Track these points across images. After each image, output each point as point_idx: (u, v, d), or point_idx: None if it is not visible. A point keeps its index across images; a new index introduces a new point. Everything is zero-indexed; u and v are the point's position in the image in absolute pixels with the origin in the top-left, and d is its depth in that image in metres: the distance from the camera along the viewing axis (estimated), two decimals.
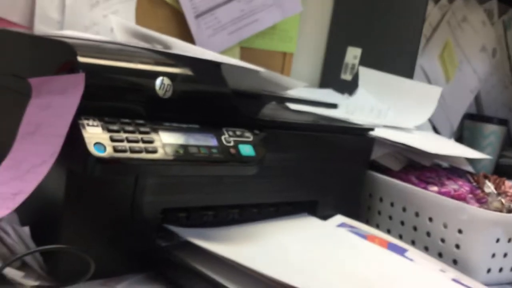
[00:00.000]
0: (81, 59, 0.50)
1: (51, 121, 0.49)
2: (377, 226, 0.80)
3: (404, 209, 0.77)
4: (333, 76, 1.20)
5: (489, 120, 1.37)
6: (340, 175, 0.76)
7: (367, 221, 0.81)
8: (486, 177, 0.83)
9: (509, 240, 0.69)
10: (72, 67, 0.50)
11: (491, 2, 1.43)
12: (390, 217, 0.79)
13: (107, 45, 0.58)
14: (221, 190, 0.63)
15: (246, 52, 1.08)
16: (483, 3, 1.41)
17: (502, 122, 1.37)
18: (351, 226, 0.72)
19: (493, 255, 0.69)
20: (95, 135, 0.48)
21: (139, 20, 0.93)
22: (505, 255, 0.70)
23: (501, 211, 0.71)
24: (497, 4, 1.44)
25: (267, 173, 0.64)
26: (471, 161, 0.92)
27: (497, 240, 0.68)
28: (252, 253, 0.59)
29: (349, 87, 1.11)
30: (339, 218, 0.74)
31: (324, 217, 0.74)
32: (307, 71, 1.22)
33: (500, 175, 0.85)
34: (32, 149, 0.49)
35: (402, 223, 0.77)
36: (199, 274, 0.54)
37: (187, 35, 0.99)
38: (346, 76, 1.17)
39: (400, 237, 0.77)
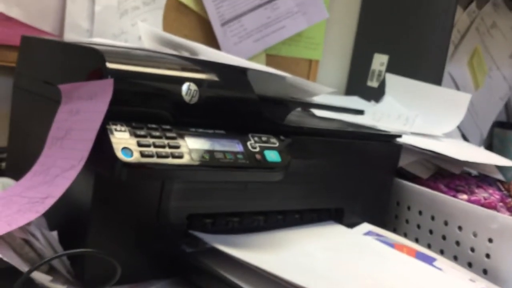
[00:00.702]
0: (109, 65, 0.50)
1: (80, 126, 0.50)
2: (405, 235, 0.79)
3: (432, 218, 0.75)
4: (359, 83, 1.19)
5: None
6: (366, 182, 0.75)
7: (394, 230, 0.80)
8: None
9: None
10: (101, 73, 0.51)
11: None
12: (418, 226, 0.77)
13: (135, 52, 0.59)
14: (246, 196, 0.62)
15: (272, 59, 1.09)
16: None
17: None
18: (378, 235, 0.71)
19: None
20: (122, 140, 0.48)
21: (166, 28, 0.94)
22: None
23: None
24: None
25: (293, 180, 0.64)
26: (501, 169, 0.90)
27: None
28: (277, 260, 0.59)
29: (376, 94, 1.10)
30: (365, 226, 0.73)
31: (351, 225, 0.73)
32: (333, 78, 1.22)
33: None
34: (61, 154, 0.49)
35: (431, 232, 0.76)
36: (224, 281, 0.54)
37: (213, 43, 0.99)
38: (373, 83, 1.16)
39: (429, 246, 0.75)
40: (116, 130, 0.49)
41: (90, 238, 0.51)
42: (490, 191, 0.77)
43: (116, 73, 0.50)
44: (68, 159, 0.48)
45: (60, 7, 0.83)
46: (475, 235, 0.70)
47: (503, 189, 0.81)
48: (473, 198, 0.73)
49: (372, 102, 1.09)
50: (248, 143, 0.59)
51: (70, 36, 0.83)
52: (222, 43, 1.00)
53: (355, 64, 1.22)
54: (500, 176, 0.88)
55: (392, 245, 0.68)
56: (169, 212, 0.55)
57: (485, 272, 0.69)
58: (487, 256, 0.68)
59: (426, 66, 1.04)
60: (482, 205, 0.71)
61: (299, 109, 0.85)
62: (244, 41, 1.03)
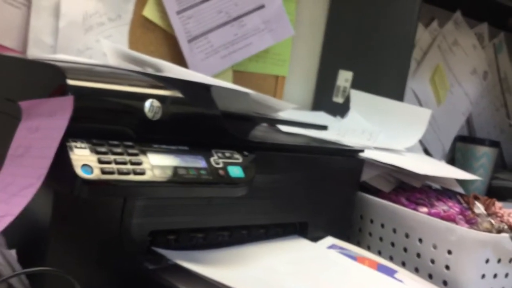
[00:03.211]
0: (70, 82, 0.50)
1: (40, 144, 0.49)
2: (368, 248, 0.80)
3: (394, 231, 0.77)
4: (325, 99, 1.21)
5: (481, 142, 1.38)
6: (330, 196, 0.76)
7: (358, 243, 0.81)
8: (476, 198, 0.83)
9: (498, 261, 0.69)
10: (63, 90, 0.51)
11: (482, 25, 1.46)
12: (381, 239, 0.79)
13: (98, 68, 0.59)
14: (210, 212, 0.63)
15: (239, 75, 1.10)
16: (473, 27, 1.43)
17: (494, 144, 1.38)
18: (341, 248, 0.72)
19: (483, 276, 0.69)
20: (82, 157, 0.48)
21: (132, 44, 0.95)
22: (495, 275, 0.70)
23: (490, 231, 0.72)
24: (487, 28, 1.46)
25: (257, 195, 0.65)
26: (463, 183, 0.93)
27: (487, 261, 0.68)
28: (242, 276, 0.59)
29: (341, 110, 1.12)
30: (329, 240, 0.74)
31: (315, 239, 0.74)
32: (299, 94, 1.23)
33: (492, 197, 0.85)
34: (20, 172, 0.49)
35: (393, 244, 0.77)
36: None
37: (180, 59, 1.00)
38: (338, 99, 1.18)
39: (391, 258, 0.77)
40: (76, 147, 0.49)
41: (49, 256, 0.50)
42: (450, 204, 0.79)
43: (77, 90, 0.50)
44: (26, 177, 0.47)
45: (24, 23, 0.83)
46: (435, 247, 0.71)
47: (463, 202, 0.83)
48: (433, 211, 0.75)
49: (338, 118, 1.11)
50: (212, 159, 0.59)
51: (34, 52, 0.83)
52: (189, 59, 1.01)
53: (320, 80, 1.24)
54: (460, 190, 0.90)
55: (354, 258, 0.69)
56: (131, 229, 0.55)
57: (445, 283, 0.70)
58: (447, 267, 0.70)
59: (388, 83, 1.07)
60: (442, 218, 0.73)
61: (265, 125, 0.86)
62: (211, 58, 1.04)
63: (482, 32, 1.46)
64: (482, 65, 1.46)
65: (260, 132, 0.76)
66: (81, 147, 0.49)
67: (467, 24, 1.39)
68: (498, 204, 0.83)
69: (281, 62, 1.17)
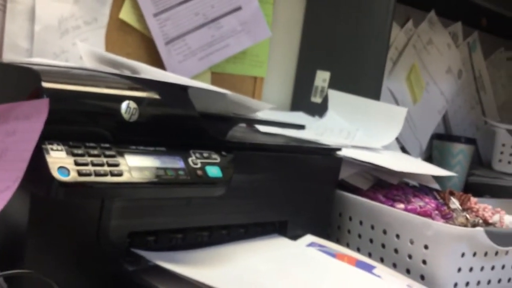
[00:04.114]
0: (45, 84, 0.50)
1: (16, 147, 0.49)
2: (347, 245, 0.81)
3: (372, 227, 0.78)
4: (303, 99, 1.22)
5: (457, 139, 1.40)
6: (309, 195, 0.77)
7: (337, 240, 0.82)
8: (452, 193, 0.84)
9: (474, 254, 0.71)
10: (39, 93, 0.51)
11: (456, 25, 1.48)
12: (360, 235, 0.80)
13: (73, 71, 0.59)
14: (189, 212, 0.63)
15: (217, 77, 1.10)
16: (448, 26, 1.46)
17: (470, 141, 1.41)
18: (320, 245, 0.73)
19: (459, 270, 0.70)
20: (59, 159, 0.48)
21: (109, 47, 0.95)
22: (470, 269, 0.71)
23: (465, 226, 0.73)
24: (461, 27, 1.49)
25: (236, 194, 0.65)
26: (441, 180, 0.95)
27: (462, 255, 0.70)
28: (222, 275, 0.59)
29: (319, 110, 1.13)
30: (308, 238, 0.75)
31: (294, 237, 0.75)
32: (278, 94, 1.24)
33: (469, 193, 0.87)
34: None
35: (371, 240, 0.78)
36: None
37: (157, 61, 1.00)
38: (316, 99, 1.19)
39: (370, 255, 0.78)
40: (52, 149, 0.48)
41: (27, 259, 0.50)
42: (426, 200, 0.81)
43: (52, 93, 0.50)
44: (3, 180, 0.47)
45: None
46: (411, 242, 0.73)
47: (439, 198, 0.85)
48: (409, 207, 0.76)
49: (316, 117, 1.12)
50: (190, 160, 0.59)
51: (9, 56, 0.82)
52: (166, 61, 1.01)
53: (299, 80, 1.25)
54: (436, 186, 0.92)
55: (333, 255, 0.70)
56: (109, 230, 0.55)
57: (422, 277, 0.71)
58: (424, 262, 0.71)
59: (365, 82, 1.08)
60: (418, 214, 0.74)
61: (243, 125, 0.86)
62: (188, 59, 1.04)
63: (456, 31, 1.49)
64: (457, 64, 1.48)
65: (239, 132, 0.76)
66: (57, 150, 0.49)
67: (442, 23, 1.42)
68: (473, 199, 0.84)
69: (259, 63, 1.17)
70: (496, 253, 0.73)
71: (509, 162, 1.44)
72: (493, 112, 1.67)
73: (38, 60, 0.75)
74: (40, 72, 0.52)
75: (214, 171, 0.60)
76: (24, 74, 0.55)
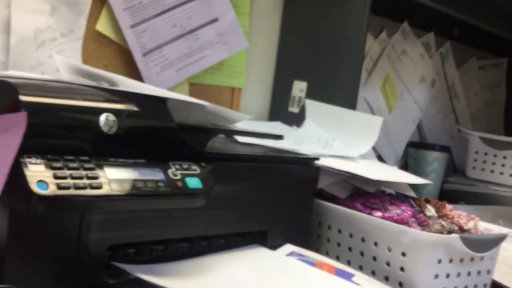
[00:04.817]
0: (23, 98, 0.50)
1: None
2: (327, 254, 0.82)
3: (351, 235, 0.79)
4: (281, 109, 1.23)
5: (431, 147, 1.43)
6: (288, 204, 0.77)
7: (317, 249, 0.83)
8: (427, 201, 0.86)
9: (450, 261, 0.72)
10: (16, 106, 0.50)
11: (429, 35, 1.52)
12: (339, 244, 0.81)
13: (51, 84, 0.59)
14: (169, 224, 0.63)
15: (195, 88, 1.11)
16: (421, 37, 1.49)
17: (444, 149, 1.44)
18: (300, 255, 0.74)
19: (436, 276, 0.71)
20: (37, 173, 0.48)
21: (85, 59, 0.94)
22: (447, 275, 0.73)
23: (441, 233, 0.75)
24: (434, 37, 1.53)
25: (216, 205, 0.66)
26: (416, 188, 0.96)
27: (439, 261, 0.71)
28: (203, 286, 0.59)
29: (297, 119, 1.14)
30: (288, 247, 0.75)
31: (274, 247, 0.75)
32: (256, 105, 1.25)
33: (444, 200, 0.88)
34: None
35: (350, 249, 0.79)
36: None
37: (135, 73, 1.00)
38: (294, 109, 1.20)
39: (349, 263, 0.79)
40: (30, 163, 0.48)
41: (7, 273, 0.49)
42: (403, 207, 0.82)
43: (30, 106, 0.50)
44: None
45: None
46: (389, 250, 0.74)
47: (415, 205, 0.86)
48: (386, 215, 0.77)
49: (294, 127, 1.13)
50: (169, 171, 0.59)
51: None
52: (144, 73, 1.01)
53: (276, 91, 1.26)
54: (412, 194, 0.93)
55: (313, 264, 0.70)
56: (89, 244, 0.55)
57: (400, 284, 0.72)
58: (402, 269, 0.72)
59: (341, 92, 1.10)
60: (395, 221, 0.75)
61: (222, 136, 0.87)
62: (166, 71, 1.04)
63: (429, 41, 1.52)
64: (430, 73, 1.51)
65: (218, 143, 0.77)
66: (36, 163, 0.49)
67: (415, 34, 1.45)
68: (449, 206, 0.86)
69: (237, 74, 1.18)
70: (472, 259, 0.75)
71: (482, 169, 1.47)
72: (467, 120, 1.70)
73: (14, 73, 0.74)
74: (17, 85, 0.52)
75: (194, 182, 0.61)
76: (1, 87, 0.54)
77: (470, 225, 0.80)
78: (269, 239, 0.75)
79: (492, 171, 1.46)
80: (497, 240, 0.76)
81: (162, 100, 0.62)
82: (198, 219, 0.66)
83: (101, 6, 0.96)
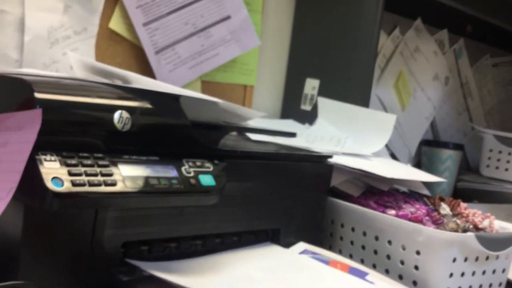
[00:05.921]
0: (38, 95, 0.50)
1: (9, 158, 0.49)
2: (340, 252, 0.82)
3: (364, 234, 0.78)
4: (293, 107, 1.22)
5: (445, 145, 1.42)
6: (301, 202, 0.77)
7: (330, 247, 0.82)
8: (442, 199, 0.85)
9: (465, 260, 0.71)
10: (31, 103, 0.50)
11: (442, 32, 1.50)
12: (352, 242, 0.80)
13: (65, 81, 0.59)
14: (183, 221, 0.63)
15: (207, 85, 1.11)
16: (434, 34, 1.48)
17: (457, 147, 1.43)
18: (313, 253, 0.73)
19: (451, 275, 0.71)
20: (52, 170, 0.48)
21: (99, 57, 0.94)
22: (462, 274, 0.72)
23: (456, 231, 0.74)
24: (447, 35, 1.51)
25: (229, 203, 0.65)
26: (430, 186, 0.95)
27: (454, 260, 0.70)
28: (216, 284, 0.59)
29: (309, 117, 1.13)
30: (301, 245, 0.75)
31: (287, 245, 0.75)
32: (268, 102, 1.25)
33: (458, 198, 0.88)
34: None
35: (363, 247, 0.79)
36: None
37: (147, 71, 1.00)
38: (306, 107, 1.20)
39: (362, 261, 0.78)
40: (45, 160, 0.48)
41: (22, 270, 0.50)
42: (417, 206, 0.82)
43: (45, 103, 0.50)
44: None
45: None
46: (403, 248, 0.73)
47: (429, 203, 0.85)
48: (400, 213, 0.77)
49: (306, 125, 1.13)
50: (183, 168, 0.59)
51: None
52: (156, 70, 1.01)
53: (288, 88, 1.26)
54: (426, 192, 0.92)
55: (327, 262, 0.70)
56: (103, 241, 0.55)
57: (414, 283, 0.72)
58: (416, 268, 0.72)
59: (354, 89, 1.09)
60: (409, 220, 0.75)
61: (234, 133, 0.87)
62: (179, 69, 1.05)
63: (443, 38, 1.51)
64: (444, 70, 1.50)
65: (230, 140, 0.76)
66: (50, 160, 0.49)
67: (428, 31, 1.44)
68: (463, 204, 0.85)
69: (249, 72, 1.18)
70: (487, 258, 0.74)
71: (496, 168, 1.46)
72: (480, 118, 1.69)
73: (28, 70, 0.75)
74: (32, 82, 0.52)
75: (207, 180, 0.61)
76: (16, 85, 0.54)
77: (485, 223, 0.79)
78: (282, 237, 0.75)
79: (506, 169, 1.44)
80: None
81: (175, 98, 0.62)
82: (211, 216, 0.66)
83: (114, 4, 0.96)
